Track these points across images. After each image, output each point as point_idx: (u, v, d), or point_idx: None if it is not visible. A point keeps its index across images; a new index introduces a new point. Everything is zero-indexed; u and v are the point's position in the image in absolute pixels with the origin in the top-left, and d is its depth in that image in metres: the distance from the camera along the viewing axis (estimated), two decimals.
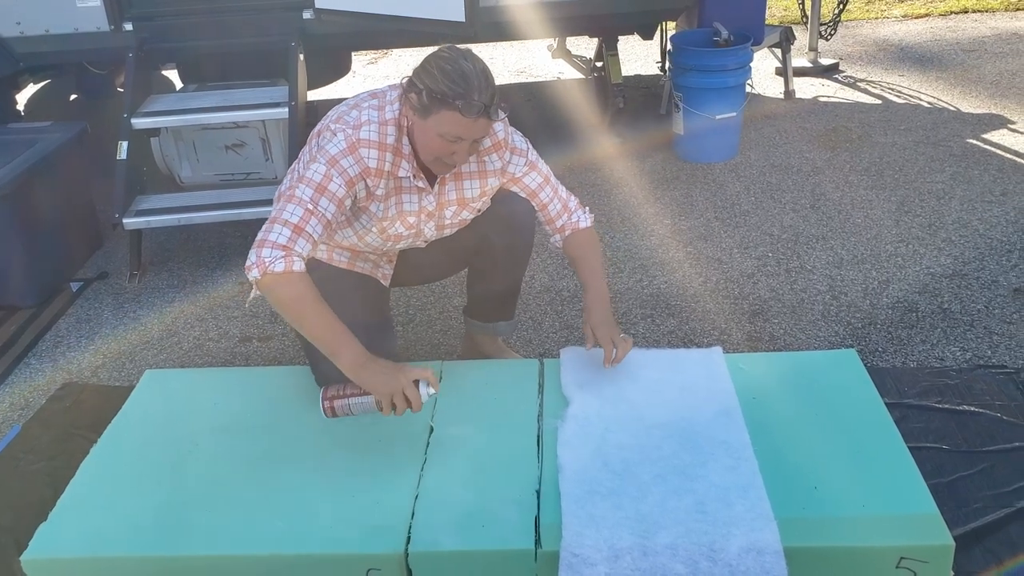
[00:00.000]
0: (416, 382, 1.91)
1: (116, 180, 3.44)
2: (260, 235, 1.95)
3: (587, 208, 2.39)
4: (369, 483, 1.91)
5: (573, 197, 2.39)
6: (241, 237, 3.76)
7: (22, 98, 4.66)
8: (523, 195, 2.32)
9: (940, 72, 5.40)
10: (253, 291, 2.09)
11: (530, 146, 2.31)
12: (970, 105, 4.80)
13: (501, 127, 2.21)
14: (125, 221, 3.40)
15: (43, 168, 3.35)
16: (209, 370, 2.63)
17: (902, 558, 1.71)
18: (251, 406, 2.21)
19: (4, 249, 3.20)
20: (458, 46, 2.00)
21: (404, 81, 2.03)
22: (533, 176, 2.31)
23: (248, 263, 1.93)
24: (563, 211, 2.34)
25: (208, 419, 2.17)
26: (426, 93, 1.94)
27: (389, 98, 2.10)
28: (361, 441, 2.04)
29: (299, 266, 1.92)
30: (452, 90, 1.91)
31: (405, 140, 2.07)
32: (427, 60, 1.98)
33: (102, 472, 2.02)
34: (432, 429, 2.07)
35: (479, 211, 2.29)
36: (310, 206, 1.97)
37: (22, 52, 3.79)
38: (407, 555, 1.74)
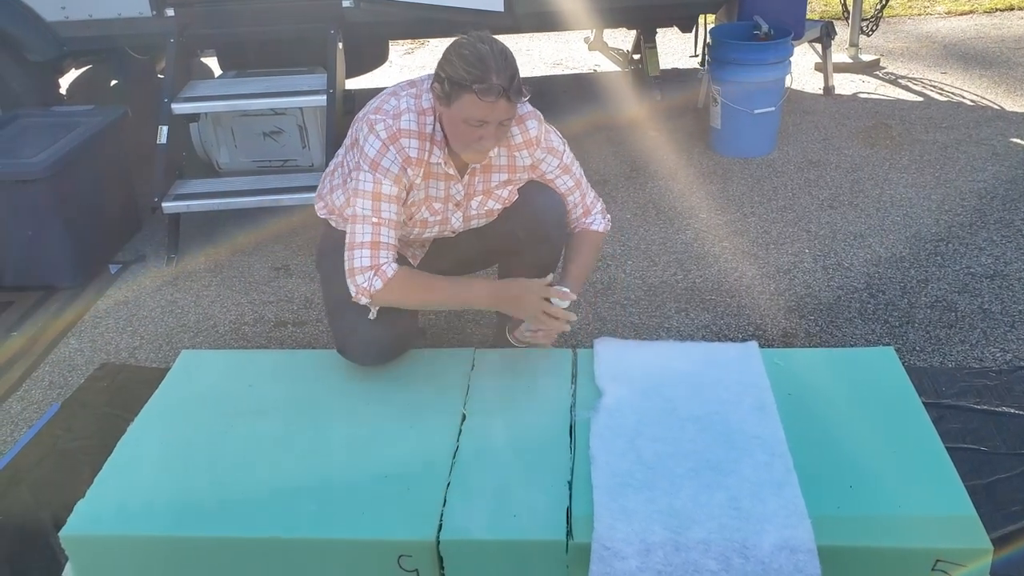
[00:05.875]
0: (548, 300, 2.09)
1: (156, 164, 3.47)
2: (347, 264, 2.08)
3: (608, 217, 2.40)
4: (401, 469, 1.92)
5: (599, 202, 2.40)
6: (277, 223, 3.78)
7: (65, 82, 4.71)
8: None
9: (983, 70, 5.31)
10: (372, 311, 2.17)
11: (567, 147, 2.30)
12: (1014, 104, 4.72)
13: (535, 124, 2.21)
14: (164, 205, 3.43)
15: (84, 151, 3.39)
16: (244, 352, 2.65)
17: (938, 560, 1.68)
18: (286, 389, 2.22)
19: (46, 230, 3.24)
20: (478, 31, 2.00)
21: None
22: (565, 179, 2.32)
23: (352, 293, 2.08)
24: (582, 215, 2.37)
25: (243, 401, 2.18)
26: (447, 81, 1.96)
27: (426, 87, 2.11)
28: (394, 427, 2.05)
29: (392, 269, 2.06)
30: (470, 74, 1.92)
31: (439, 128, 2.09)
32: (447, 49, 1.99)
33: (138, 451, 2.05)
34: (464, 417, 2.07)
35: (507, 201, 2.29)
36: (374, 219, 2.05)
37: (66, 36, 3.83)
38: (438, 542, 1.74)
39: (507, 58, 1.97)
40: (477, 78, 1.92)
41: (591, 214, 2.37)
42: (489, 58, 1.93)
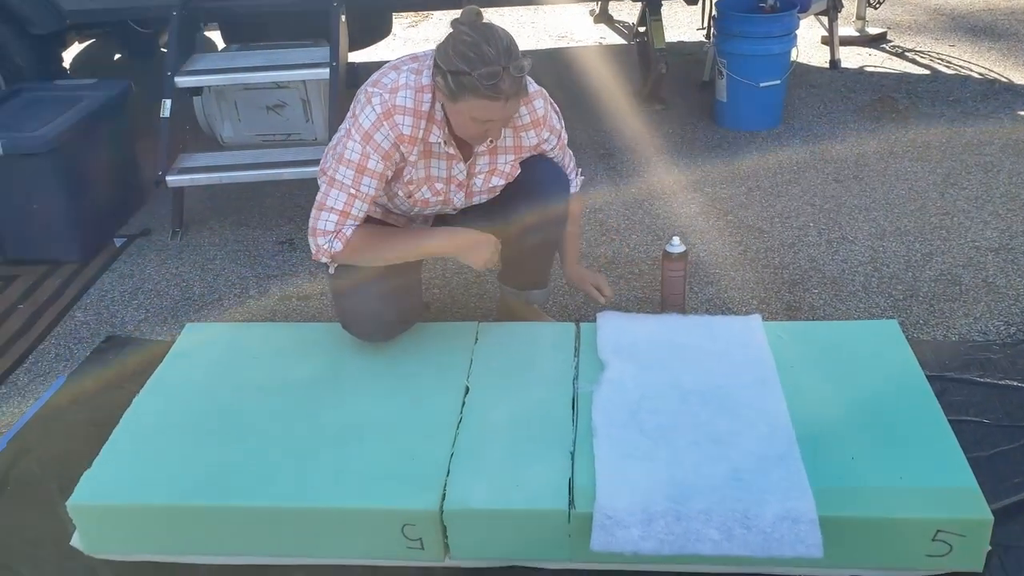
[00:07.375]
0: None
1: (159, 138, 3.47)
2: (311, 222, 2.08)
3: (580, 171, 2.48)
4: (405, 440, 1.93)
5: (572, 158, 2.45)
6: (281, 197, 3.78)
7: (69, 56, 4.70)
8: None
9: (992, 42, 5.26)
10: (331, 265, 2.21)
11: (563, 125, 2.33)
12: (1023, 76, 4.68)
13: (542, 104, 2.20)
14: (168, 179, 3.43)
15: (88, 125, 3.38)
16: (248, 325, 2.66)
17: (939, 531, 1.70)
18: (289, 361, 2.23)
19: (50, 204, 3.25)
20: (479, 21, 1.93)
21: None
22: (560, 156, 2.36)
23: (312, 251, 2.10)
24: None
25: (246, 373, 2.20)
26: (452, 78, 1.90)
27: (428, 63, 2.07)
28: (398, 399, 2.06)
29: (352, 230, 2.06)
30: (479, 78, 1.87)
31: (439, 107, 2.05)
32: (448, 41, 1.93)
33: (143, 423, 2.07)
34: (468, 389, 2.08)
35: (510, 176, 2.28)
36: (352, 190, 2.05)
37: (68, 9, 3.81)
38: (442, 512, 1.76)
39: (512, 53, 1.90)
40: (487, 85, 1.87)
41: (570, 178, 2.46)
42: (495, 60, 1.87)
